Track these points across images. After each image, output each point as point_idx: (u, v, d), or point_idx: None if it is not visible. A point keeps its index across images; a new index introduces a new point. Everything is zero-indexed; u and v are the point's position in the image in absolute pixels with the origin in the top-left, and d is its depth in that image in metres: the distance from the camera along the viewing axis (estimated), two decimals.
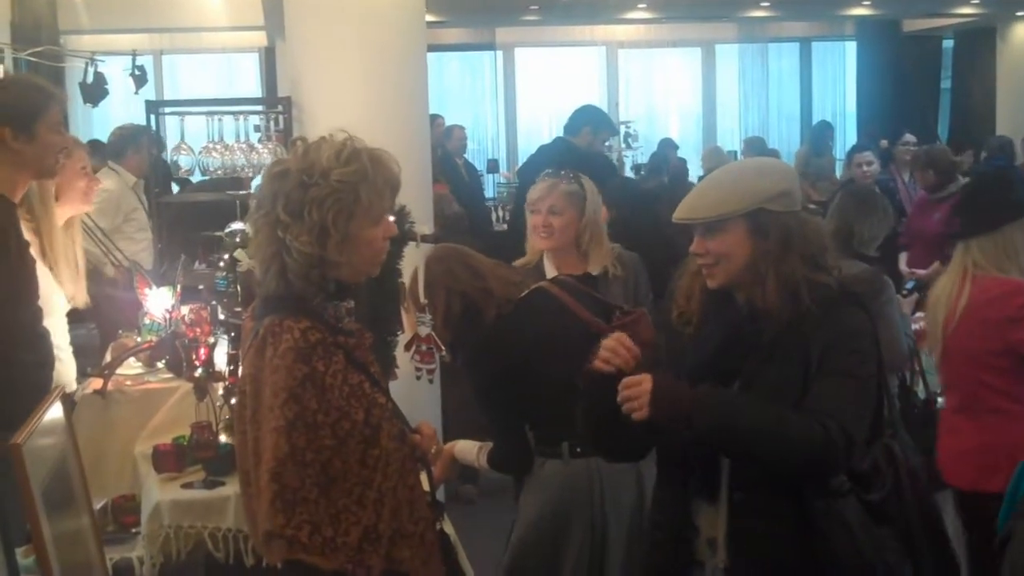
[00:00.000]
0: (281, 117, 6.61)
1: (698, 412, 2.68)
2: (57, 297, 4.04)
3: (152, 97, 9.67)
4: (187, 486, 3.76)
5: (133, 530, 3.88)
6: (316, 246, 2.58)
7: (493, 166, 15.46)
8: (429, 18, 7.19)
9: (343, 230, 2.60)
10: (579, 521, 3.67)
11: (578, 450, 3.62)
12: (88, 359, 4.49)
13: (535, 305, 3.71)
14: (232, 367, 3.95)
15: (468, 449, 3.86)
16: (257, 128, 6.62)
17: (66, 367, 4.12)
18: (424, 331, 3.60)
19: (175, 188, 9.27)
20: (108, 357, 4.76)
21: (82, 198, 4.36)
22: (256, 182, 6.64)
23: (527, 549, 3.73)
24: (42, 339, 3.66)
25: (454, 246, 3.93)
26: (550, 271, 4.33)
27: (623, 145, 14.06)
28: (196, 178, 7.57)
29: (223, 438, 3.85)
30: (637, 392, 2.69)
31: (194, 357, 4.18)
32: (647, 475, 3.57)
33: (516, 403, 3.66)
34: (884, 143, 11.46)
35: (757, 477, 2.77)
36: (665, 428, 2.75)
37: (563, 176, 4.46)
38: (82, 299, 4.21)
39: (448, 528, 3.26)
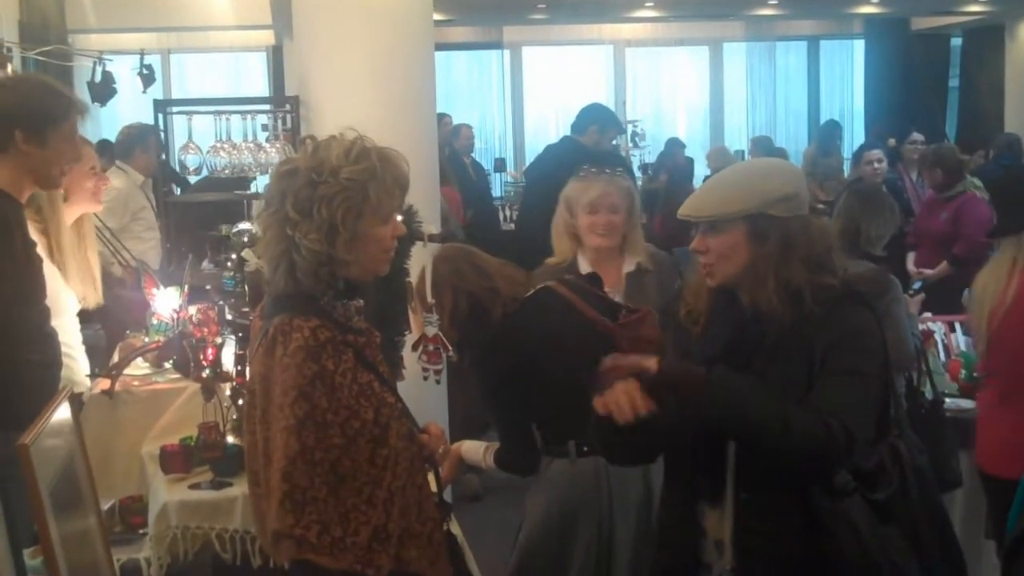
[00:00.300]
0: (289, 116, 6.62)
1: (709, 391, 2.68)
2: (65, 296, 4.04)
3: (160, 96, 9.68)
4: (194, 487, 3.76)
5: (140, 531, 3.88)
6: (325, 244, 2.58)
7: (500, 165, 15.42)
8: (436, 17, 7.20)
9: (352, 228, 2.60)
10: (586, 520, 3.66)
11: (585, 449, 3.62)
12: (95, 359, 4.49)
13: (542, 304, 3.71)
14: (239, 367, 3.95)
15: (475, 449, 3.86)
16: (265, 127, 6.64)
17: (78, 366, 4.12)
18: (431, 331, 3.60)
19: (176, 190, 9.27)
20: (116, 357, 4.76)
21: (91, 198, 4.35)
22: (260, 181, 6.66)
23: (534, 549, 3.73)
24: (49, 339, 3.66)
25: (461, 245, 3.93)
26: (586, 269, 4.27)
27: (630, 144, 14.05)
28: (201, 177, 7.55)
29: (230, 439, 3.86)
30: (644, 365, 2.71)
31: (201, 357, 4.19)
32: (655, 473, 3.57)
33: (523, 402, 3.66)
34: (892, 142, 11.41)
35: (762, 477, 2.77)
36: (669, 420, 2.74)
37: (611, 171, 4.39)
38: (93, 299, 4.21)
39: (455, 529, 3.26)
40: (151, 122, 7.23)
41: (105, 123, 12.85)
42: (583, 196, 4.29)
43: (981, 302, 4.18)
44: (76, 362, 4.10)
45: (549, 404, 3.63)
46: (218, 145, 6.32)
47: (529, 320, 3.67)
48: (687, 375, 2.70)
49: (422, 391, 3.98)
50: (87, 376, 4.22)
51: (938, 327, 5.64)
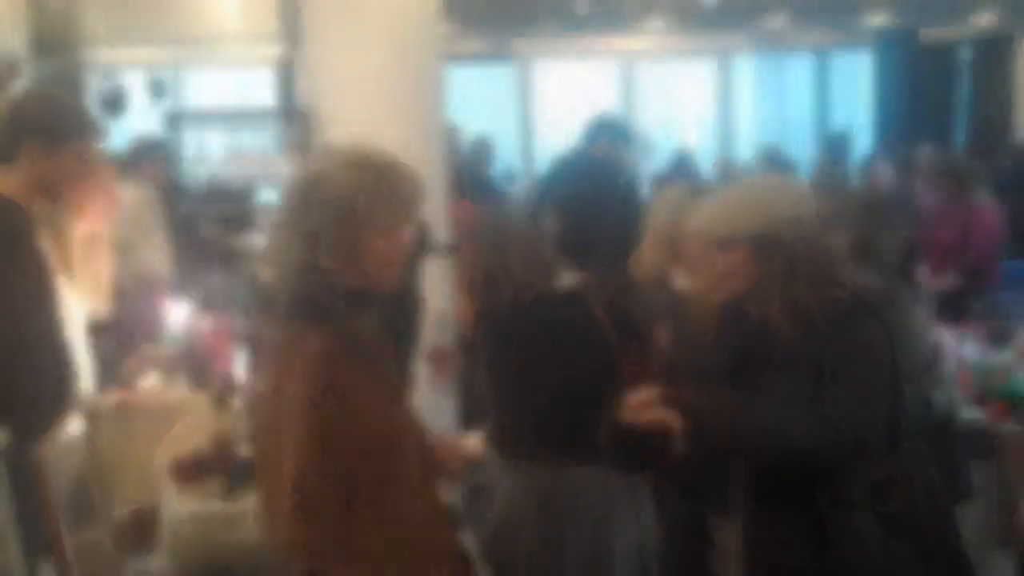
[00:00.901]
0: (298, 128, 6.64)
1: (709, 408, 2.68)
2: (73, 308, 4.04)
3: (170, 109, 9.71)
4: (206, 498, 3.77)
5: (152, 542, 3.89)
6: (329, 254, 2.59)
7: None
8: (446, 29, 7.21)
9: (352, 239, 2.60)
10: (535, 531, 3.67)
11: (550, 461, 3.64)
12: (105, 372, 4.49)
13: (560, 305, 3.70)
14: (251, 378, 3.96)
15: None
16: (274, 139, 6.66)
17: (84, 379, 4.12)
18: (442, 340, 3.61)
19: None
20: (128, 369, 4.77)
21: (98, 216, 4.33)
22: (269, 192, 6.69)
23: (493, 543, 3.77)
24: (61, 349, 3.66)
25: (498, 215, 3.92)
26: (681, 283, 4.30)
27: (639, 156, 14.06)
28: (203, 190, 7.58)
29: (242, 450, 3.86)
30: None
31: (213, 368, 4.20)
32: (618, 496, 3.59)
33: (515, 392, 3.67)
34: (901, 153, 11.42)
35: (770, 488, 2.77)
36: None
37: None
38: (103, 310, 4.22)
39: (467, 540, 3.26)
40: (161, 134, 7.26)
41: (115, 136, 12.87)
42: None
43: None
44: (82, 376, 4.11)
45: (538, 406, 3.64)
46: (228, 157, 6.35)
47: (538, 318, 3.67)
48: (684, 397, 2.70)
49: (432, 403, 3.98)
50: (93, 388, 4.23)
51: (949, 338, 5.63)
